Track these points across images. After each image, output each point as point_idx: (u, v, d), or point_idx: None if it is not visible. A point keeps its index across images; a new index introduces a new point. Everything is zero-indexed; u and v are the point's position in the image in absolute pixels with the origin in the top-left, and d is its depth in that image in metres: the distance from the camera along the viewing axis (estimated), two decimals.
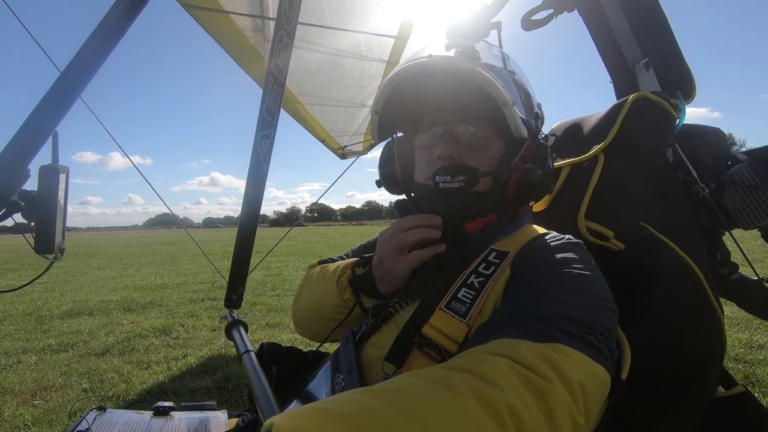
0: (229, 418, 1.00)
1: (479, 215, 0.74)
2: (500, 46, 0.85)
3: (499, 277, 0.66)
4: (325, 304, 0.86)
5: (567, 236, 0.73)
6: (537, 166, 0.74)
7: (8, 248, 19.16)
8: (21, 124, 0.66)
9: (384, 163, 0.86)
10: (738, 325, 3.40)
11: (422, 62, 0.69)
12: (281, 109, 1.36)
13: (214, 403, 0.98)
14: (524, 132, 0.70)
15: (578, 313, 0.55)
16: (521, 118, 0.69)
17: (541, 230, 0.76)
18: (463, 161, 0.73)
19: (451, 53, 0.76)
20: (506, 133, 0.72)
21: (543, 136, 0.79)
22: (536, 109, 0.78)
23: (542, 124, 0.81)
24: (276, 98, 1.31)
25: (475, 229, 0.74)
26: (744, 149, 1.06)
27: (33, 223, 0.75)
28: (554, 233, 0.74)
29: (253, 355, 0.89)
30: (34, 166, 0.73)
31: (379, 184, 0.87)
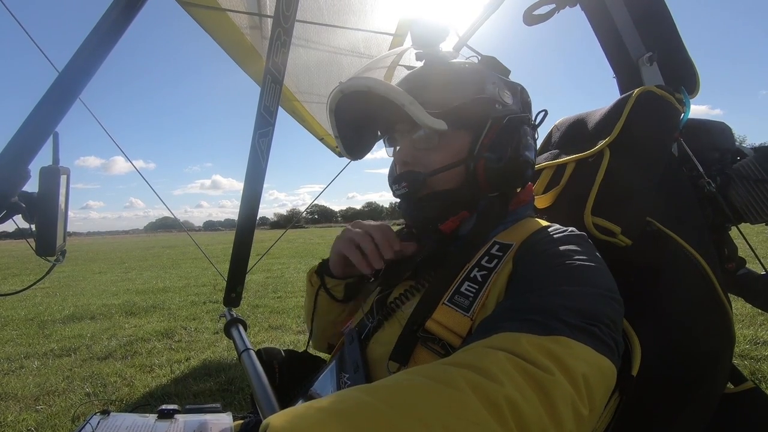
0: (234, 421, 0.99)
1: (452, 214, 0.75)
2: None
3: (502, 270, 0.66)
4: (307, 298, 0.95)
5: (570, 228, 0.72)
6: (502, 149, 0.73)
7: (9, 253, 19.19)
8: (20, 125, 0.66)
9: (389, 176, 0.90)
10: (743, 321, 3.38)
11: (336, 90, 0.75)
12: (279, 107, 1.36)
13: (218, 405, 0.97)
14: (435, 125, 0.68)
15: (581, 304, 0.54)
16: (427, 111, 0.68)
17: (543, 223, 0.75)
18: (419, 164, 0.75)
19: (367, 70, 0.83)
20: (469, 126, 0.73)
21: (507, 119, 0.75)
22: (498, 96, 0.75)
23: (509, 103, 0.77)
24: (274, 96, 1.30)
25: (451, 228, 0.75)
26: (745, 145, 1.05)
27: (33, 225, 0.74)
28: (557, 225, 0.73)
29: (252, 353, 0.88)
30: (35, 168, 0.72)
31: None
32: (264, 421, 0.36)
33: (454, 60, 0.80)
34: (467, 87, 0.74)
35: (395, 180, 0.77)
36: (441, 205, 0.75)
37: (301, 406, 0.38)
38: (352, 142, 0.85)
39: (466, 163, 0.74)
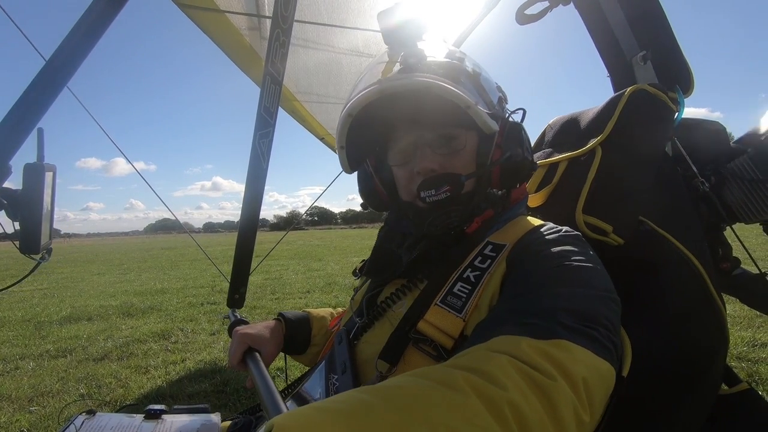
0: (222, 422, 0.98)
1: (476, 215, 0.74)
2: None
3: (495, 271, 0.65)
4: None
5: (564, 228, 0.71)
6: (514, 147, 0.75)
7: (8, 255, 19.15)
8: (1, 119, 0.65)
9: (363, 188, 0.87)
10: (740, 323, 3.37)
11: (374, 89, 0.66)
12: (279, 108, 1.35)
13: (207, 406, 0.96)
14: (494, 126, 0.68)
15: (580, 306, 0.53)
16: (487, 113, 0.67)
17: (536, 222, 0.75)
18: (444, 170, 0.73)
19: (396, 67, 0.70)
20: (476, 126, 0.69)
21: (509, 115, 0.78)
22: (499, 93, 0.77)
23: (506, 102, 0.79)
24: (274, 97, 1.30)
25: (475, 229, 0.74)
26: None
27: (17, 223, 0.73)
28: (550, 225, 0.73)
29: (256, 354, 0.86)
30: (26, 166, 0.71)
31: (365, 206, 0.89)
32: (267, 423, 0.36)
33: (455, 60, 0.74)
34: (489, 87, 0.75)
35: (432, 184, 0.70)
36: (466, 209, 0.74)
37: (305, 408, 0.38)
38: (352, 152, 0.78)
39: (481, 169, 0.74)
